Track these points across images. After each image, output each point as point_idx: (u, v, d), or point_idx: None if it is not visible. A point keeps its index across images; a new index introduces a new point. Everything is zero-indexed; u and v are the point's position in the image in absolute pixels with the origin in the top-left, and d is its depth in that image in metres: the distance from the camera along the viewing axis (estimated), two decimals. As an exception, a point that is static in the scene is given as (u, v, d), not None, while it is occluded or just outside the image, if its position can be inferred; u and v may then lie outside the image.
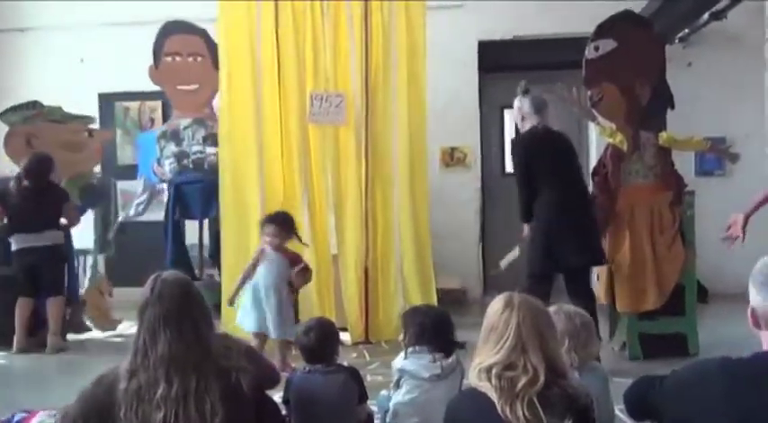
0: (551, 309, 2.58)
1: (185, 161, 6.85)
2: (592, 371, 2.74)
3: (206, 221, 7.05)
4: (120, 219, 6.80)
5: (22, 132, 6.18)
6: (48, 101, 7.41)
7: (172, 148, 6.87)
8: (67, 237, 6.19)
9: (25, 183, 5.81)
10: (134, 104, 8.10)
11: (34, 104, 6.43)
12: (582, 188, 5.06)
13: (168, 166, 6.88)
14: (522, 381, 2.11)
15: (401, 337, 3.25)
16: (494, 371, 2.15)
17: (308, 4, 5.91)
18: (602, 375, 2.81)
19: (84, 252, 7.33)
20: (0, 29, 8.32)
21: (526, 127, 5.06)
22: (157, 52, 6.86)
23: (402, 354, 3.13)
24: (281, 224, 4.97)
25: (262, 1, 5.90)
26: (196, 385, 2.20)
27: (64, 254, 6.08)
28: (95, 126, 7.06)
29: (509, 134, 8.37)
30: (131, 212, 6.97)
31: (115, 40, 7.90)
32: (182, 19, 6.92)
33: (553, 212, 4.83)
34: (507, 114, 8.38)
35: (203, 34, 6.81)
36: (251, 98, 5.91)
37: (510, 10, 7.63)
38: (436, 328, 3.14)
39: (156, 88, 7.05)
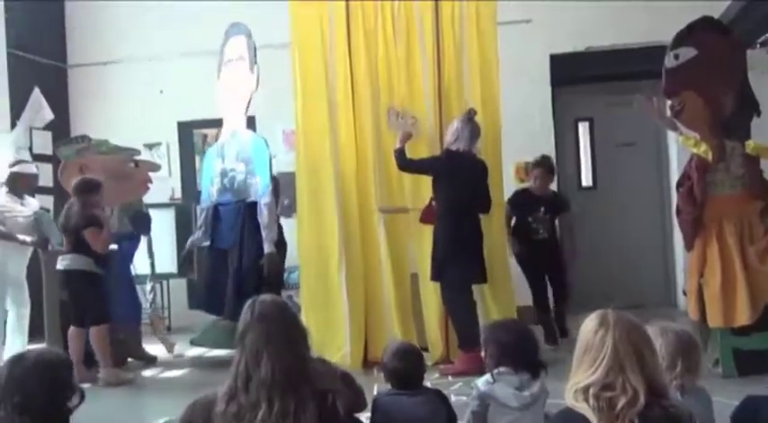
0: (655, 328, 2.51)
1: (225, 180, 6.39)
2: (694, 393, 2.62)
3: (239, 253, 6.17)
4: (187, 245, 6.67)
5: (76, 164, 6.31)
6: (130, 131, 7.71)
7: (220, 164, 6.47)
8: (106, 261, 5.81)
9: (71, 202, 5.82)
10: (211, 131, 8.27)
11: (83, 138, 6.61)
12: (477, 215, 5.57)
13: (216, 185, 6.49)
14: (622, 401, 2.05)
15: (482, 353, 3.19)
16: (591, 391, 2.09)
17: (379, 4, 5.97)
18: (705, 397, 2.69)
19: (167, 276, 7.60)
20: (84, 63, 8.69)
21: (453, 147, 5.51)
22: (220, 63, 6.68)
23: (487, 376, 3.02)
24: None
25: (333, 1, 5.99)
26: (295, 407, 2.21)
27: (78, 281, 5.70)
28: (141, 157, 7.09)
29: (584, 147, 8.29)
30: (194, 238, 6.63)
31: (192, 70, 8.12)
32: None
33: (454, 227, 5.41)
34: (582, 127, 8.29)
35: (247, 33, 6.41)
36: (325, 116, 5.97)
37: (581, 22, 7.55)
38: (519, 346, 3.04)
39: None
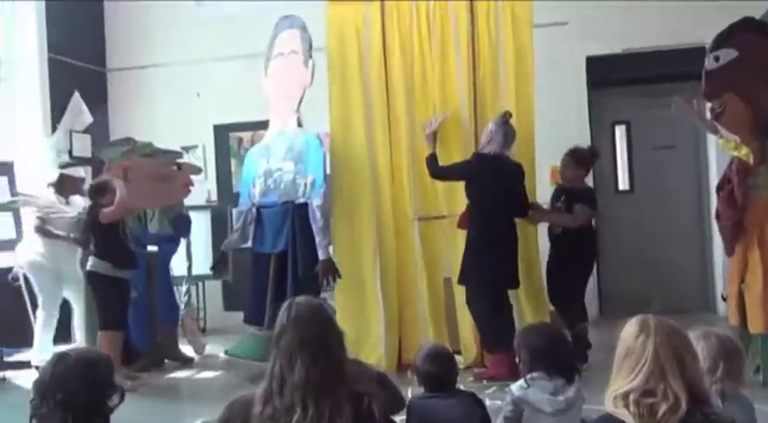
0: (698, 332, 2.47)
1: (269, 180, 5.97)
2: (736, 399, 2.57)
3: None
4: (222, 247, 6.42)
5: (119, 166, 6.28)
6: (167, 134, 7.79)
7: (264, 164, 6.06)
8: (129, 264, 5.75)
9: None
10: (247, 135, 8.36)
11: (128, 140, 6.62)
12: (512, 219, 5.51)
13: (259, 186, 6.06)
14: (663, 408, 2.03)
15: (516, 359, 3.17)
16: (631, 397, 2.07)
17: (414, 4, 5.95)
18: (747, 404, 2.63)
19: (203, 278, 7.66)
20: (122, 67, 8.83)
21: (486, 149, 5.45)
22: (268, 57, 6.33)
23: (521, 381, 3.01)
24: None
25: (369, 1, 6.00)
26: (330, 411, 2.21)
27: (96, 283, 5.71)
28: (184, 160, 7.14)
29: (621, 150, 8.20)
30: (229, 241, 6.35)
31: (228, 74, 8.21)
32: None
33: (481, 231, 5.34)
34: (618, 130, 8.20)
35: (302, 26, 6.10)
36: (360, 119, 5.99)
37: (618, 24, 7.47)
38: (551, 349, 3.03)
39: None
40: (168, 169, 6.55)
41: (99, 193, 5.68)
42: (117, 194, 5.58)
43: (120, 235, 5.70)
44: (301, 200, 5.76)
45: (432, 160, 5.62)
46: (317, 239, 5.61)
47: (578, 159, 5.82)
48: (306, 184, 5.76)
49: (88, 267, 5.72)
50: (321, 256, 5.62)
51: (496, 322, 5.32)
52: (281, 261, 5.76)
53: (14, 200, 6.78)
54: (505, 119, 5.49)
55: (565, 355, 3.08)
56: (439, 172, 5.64)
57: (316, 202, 5.66)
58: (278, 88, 6.19)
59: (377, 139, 5.98)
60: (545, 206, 5.91)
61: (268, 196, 5.98)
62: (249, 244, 6.17)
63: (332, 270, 5.67)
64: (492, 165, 5.45)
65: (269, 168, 6.01)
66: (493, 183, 5.39)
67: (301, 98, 6.01)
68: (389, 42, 6.00)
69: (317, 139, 5.97)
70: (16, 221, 6.83)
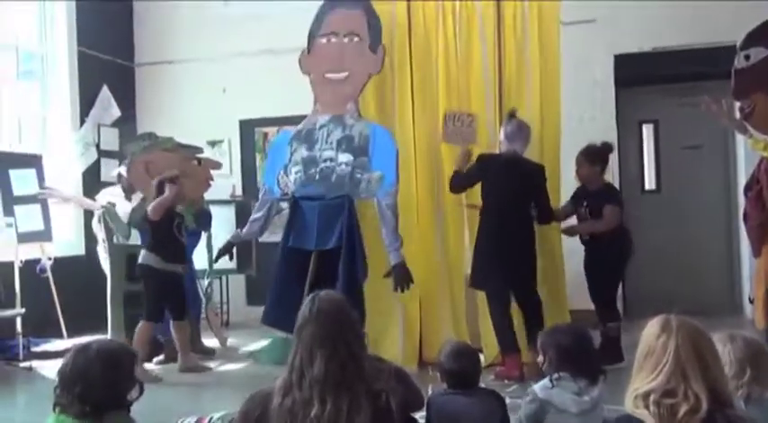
0: (723, 334, 2.44)
1: (313, 170, 5.48)
2: (759, 403, 2.51)
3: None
4: (230, 238, 6.13)
5: (141, 161, 6.35)
6: (193, 128, 7.85)
7: (303, 152, 5.57)
8: (178, 258, 5.93)
9: None
10: (272, 129, 8.39)
11: (150, 135, 6.69)
12: (526, 220, 5.36)
13: (294, 174, 5.55)
14: (683, 408, 2.00)
15: (539, 358, 3.15)
16: (651, 397, 2.05)
17: (440, 4, 5.93)
18: (771, 408, 2.59)
19: (226, 272, 7.71)
20: (151, 61, 8.91)
21: (501, 149, 5.42)
22: (313, 33, 5.90)
23: (545, 381, 3.00)
24: None
25: (394, 0, 5.97)
26: (348, 406, 2.22)
27: (143, 273, 5.85)
28: (204, 155, 7.15)
29: (648, 149, 8.12)
30: (244, 231, 5.94)
31: (254, 70, 8.26)
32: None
33: (494, 234, 5.25)
34: (646, 129, 8.11)
35: (366, 8, 5.74)
36: (386, 117, 5.97)
37: (647, 21, 7.38)
38: (576, 350, 3.02)
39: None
40: (189, 164, 6.59)
41: (160, 190, 5.82)
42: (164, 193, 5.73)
43: (173, 230, 5.83)
44: (362, 196, 5.39)
45: (454, 176, 5.56)
46: (388, 241, 5.21)
47: (590, 156, 5.68)
48: (369, 180, 5.34)
49: (139, 260, 5.86)
50: (395, 259, 5.19)
51: (506, 326, 5.30)
52: (324, 259, 5.32)
53: (42, 192, 6.88)
54: (510, 113, 5.41)
55: (591, 356, 3.08)
56: (456, 183, 5.57)
57: (386, 200, 5.25)
58: (325, 69, 5.78)
59: (402, 135, 5.96)
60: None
61: (309, 187, 5.48)
62: (264, 237, 6.11)
63: (409, 276, 5.24)
64: (497, 164, 5.38)
65: (312, 156, 5.52)
66: (497, 183, 5.31)
67: (363, 85, 5.70)
68: (415, 41, 5.99)
69: (388, 131, 5.56)
70: (44, 213, 6.92)
